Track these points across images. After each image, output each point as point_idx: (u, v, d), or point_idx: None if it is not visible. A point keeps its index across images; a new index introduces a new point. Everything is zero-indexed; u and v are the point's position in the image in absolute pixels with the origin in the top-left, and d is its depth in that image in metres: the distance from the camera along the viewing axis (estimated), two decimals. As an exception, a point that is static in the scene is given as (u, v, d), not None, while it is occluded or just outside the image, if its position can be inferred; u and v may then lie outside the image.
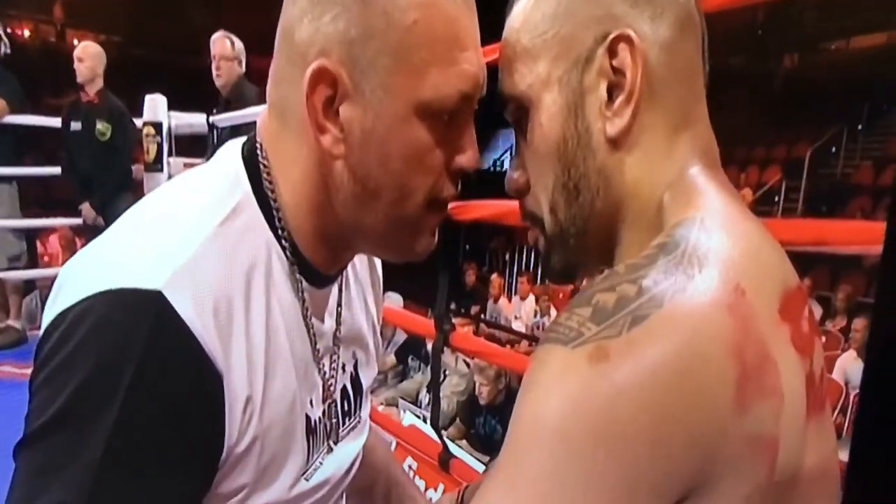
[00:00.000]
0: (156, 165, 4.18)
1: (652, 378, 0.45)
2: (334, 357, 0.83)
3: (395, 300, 6.13)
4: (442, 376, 4.78)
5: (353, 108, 0.65)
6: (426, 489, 2.43)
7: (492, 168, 14.70)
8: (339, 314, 0.84)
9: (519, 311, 7.89)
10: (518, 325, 7.54)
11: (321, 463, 0.81)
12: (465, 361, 4.93)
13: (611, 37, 0.61)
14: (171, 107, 4.28)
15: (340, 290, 0.84)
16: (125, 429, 0.56)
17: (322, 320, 0.79)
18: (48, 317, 0.62)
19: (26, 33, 15.12)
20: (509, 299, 8.25)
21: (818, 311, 6.60)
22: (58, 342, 0.59)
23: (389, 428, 2.63)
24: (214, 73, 4.14)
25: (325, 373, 0.80)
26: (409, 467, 2.55)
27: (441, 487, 2.37)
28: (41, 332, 0.62)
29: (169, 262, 0.60)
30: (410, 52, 0.63)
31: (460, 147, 0.70)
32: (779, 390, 0.49)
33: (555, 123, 0.64)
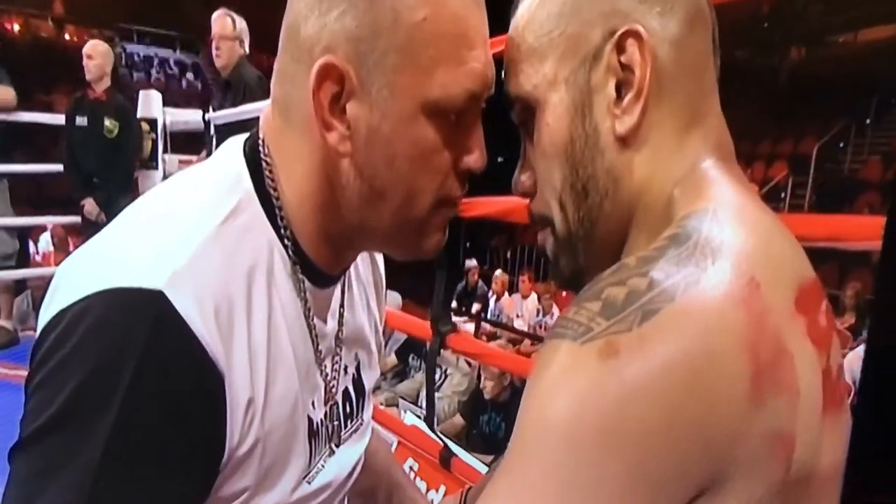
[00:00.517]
0: (150, 163, 4.19)
1: (663, 375, 0.45)
2: (336, 359, 0.83)
3: (394, 299, 6.13)
4: (443, 376, 4.79)
5: (360, 105, 0.65)
6: (427, 490, 2.43)
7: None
8: (341, 315, 0.83)
9: (520, 309, 7.88)
10: (520, 324, 7.53)
11: (323, 466, 0.81)
12: (466, 361, 4.93)
13: (619, 33, 0.61)
14: (165, 103, 4.27)
15: (343, 291, 0.84)
16: (125, 430, 0.56)
17: (324, 321, 0.79)
18: (44, 317, 0.61)
19: (16, 28, 15.08)
20: (511, 297, 8.24)
21: (826, 309, 6.56)
22: (55, 343, 0.58)
23: (391, 427, 2.63)
24: (214, 53, 4.06)
25: (326, 374, 0.80)
26: (411, 468, 2.55)
27: (442, 489, 2.37)
28: (37, 332, 0.62)
29: (169, 262, 0.60)
30: (418, 49, 0.63)
31: (468, 147, 0.70)
32: (795, 385, 0.49)
33: (562, 124, 0.63)
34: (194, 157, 4.48)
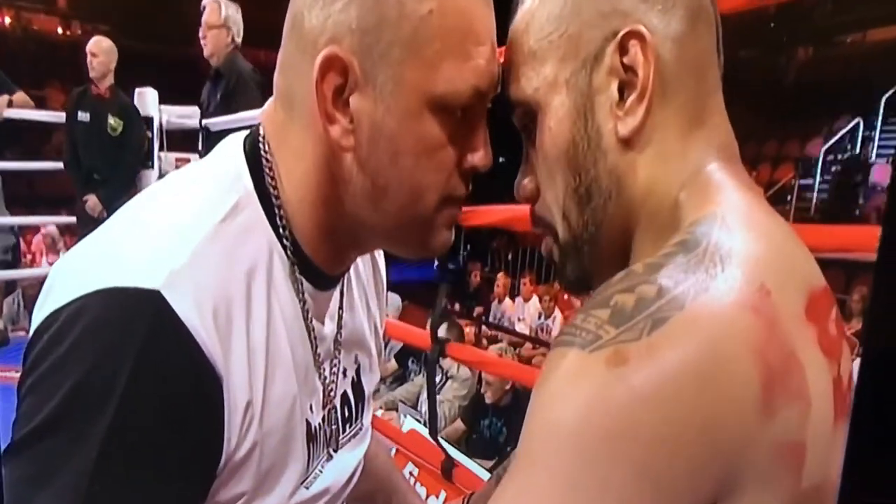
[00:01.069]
0: (146, 162, 4.18)
1: (673, 383, 0.45)
2: (335, 362, 0.82)
3: (394, 301, 6.13)
4: (443, 379, 4.79)
5: (364, 99, 0.65)
6: (427, 496, 2.43)
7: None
8: (340, 317, 0.83)
9: (522, 312, 7.87)
10: (521, 328, 7.52)
11: (321, 471, 0.80)
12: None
13: (621, 33, 0.60)
14: (162, 99, 4.26)
15: (342, 293, 0.84)
16: (120, 433, 0.56)
17: (323, 323, 0.79)
18: (38, 317, 0.61)
19: (7, 20, 15.03)
20: (513, 300, 8.24)
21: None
22: (49, 343, 0.58)
23: (389, 434, 2.63)
24: (202, 41, 4.03)
25: (325, 378, 0.80)
26: (410, 473, 2.55)
27: (443, 495, 2.37)
28: (31, 333, 0.61)
29: (167, 261, 0.60)
30: (424, 43, 0.63)
31: (473, 145, 0.70)
32: (806, 394, 0.48)
33: (563, 127, 0.63)
34: (192, 155, 4.47)
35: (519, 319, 7.83)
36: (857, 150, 11.07)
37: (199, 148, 4.07)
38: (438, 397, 4.53)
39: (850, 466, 0.28)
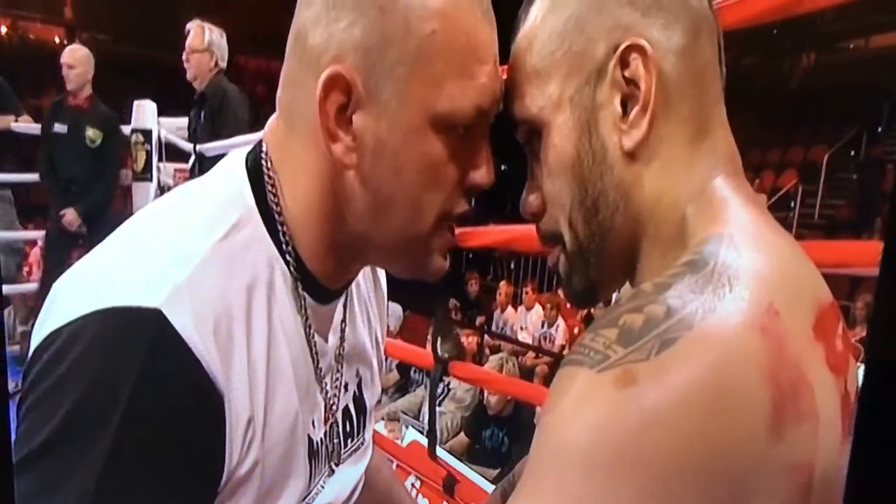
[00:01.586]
0: (145, 174, 4.15)
1: (682, 404, 0.45)
2: (336, 376, 0.82)
3: (395, 310, 6.12)
4: (445, 390, 4.78)
5: (367, 116, 0.65)
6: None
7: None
8: (342, 331, 0.83)
9: (524, 321, 7.86)
10: (524, 336, 7.51)
11: (323, 486, 0.81)
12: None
13: (622, 48, 0.61)
14: (162, 109, 4.25)
15: (345, 307, 0.84)
16: (122, 451, 0.56)
17: (325, 338, 0.79)
18: (38, 336, 0.61)
19: (3, 29, 14.97)
20: (516, 309, 8.22)
21: (837, 322, 6.53)
22: (49, 362, 0.58)
23: (390, 450, 2.63)
24: (185, 64, 4.04)
25: (326, 392, 0.80)
26: (413, 486, 2.55)
27: (445, 508, 2.36)
28: (30, 352, 0.61)
29: (168, 280, 0.60)
30: (428, 62, 0.64)
31: (475, 163, 0.70)
32: (815, 414, 0.48)
33: (568, 142, 0.64)
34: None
35: (522, 328, 7.82)
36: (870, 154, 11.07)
37: (190, 168, 4.03)
38: (440, 409, 4.52)
39: (852, 477, 0.28)
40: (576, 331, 6.93)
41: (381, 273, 0.99)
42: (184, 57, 4.03)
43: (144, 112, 4.20)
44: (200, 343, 0.59)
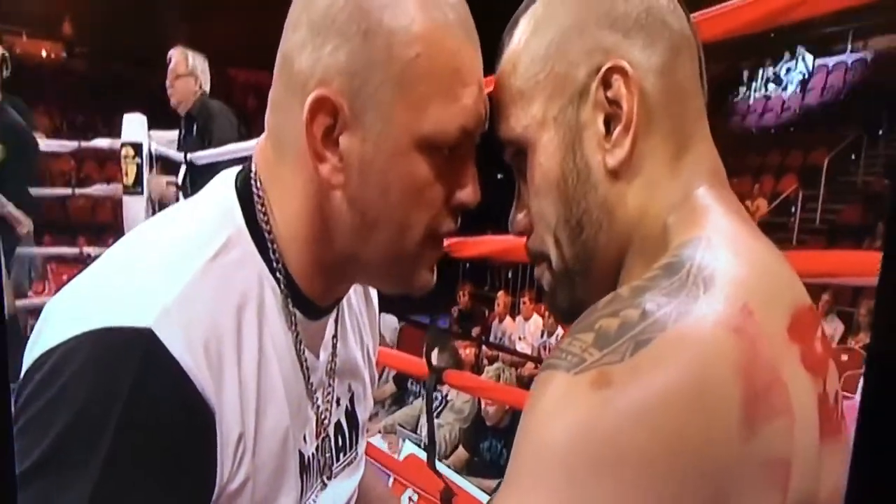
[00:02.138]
0: (135, 188, 4.11)
1: (656, 404, 0.46)
2: (328, 391, 0.83)
3: (390, 322, 6.11)
4: (443, 401, 4.78)
5: (353, 138, 0.67)
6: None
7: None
8: (334, 346, 0.85)
9: (523, 331, 7.86)
10: (523, 346, 7.51)
11: (315, 500, 0.82)
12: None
13: (604, 69, 0.63)
14: (153, 122, 4.24)
15: (336, 323, 0.85)
16: (114, 470, 0.56)
17: (316, 354, 0.80)
18: (29, 358, 0.62)
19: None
20: (514, 319, 8.23)
21: (840, 328, 6.59)
22: (41, 384, 0.59)
23: (386, 464, 2.62)
24: (168, 90, 4.04)
25: (318, 407, 0.81)
26: (410, 499, 2.55)
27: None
28: (22, 373, 0.62)
29: (158, 299, 0.61)
30: (412, 85, 0.65)
31: (461, 182, 0.72)
32: (790, 411, 0.50)
33: (553, 162, 0.66)
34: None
35: (520, 338, 7.82)
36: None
37: (182, 178, 4.00)
38: (438, 421, 4.52)
39: (854, 480, 0.28)
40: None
41: (373, 289, 1.00)
42: (167, 83, 4.04)
43: (133, 125, 4.18)
44: (191, 361, 0.61)
